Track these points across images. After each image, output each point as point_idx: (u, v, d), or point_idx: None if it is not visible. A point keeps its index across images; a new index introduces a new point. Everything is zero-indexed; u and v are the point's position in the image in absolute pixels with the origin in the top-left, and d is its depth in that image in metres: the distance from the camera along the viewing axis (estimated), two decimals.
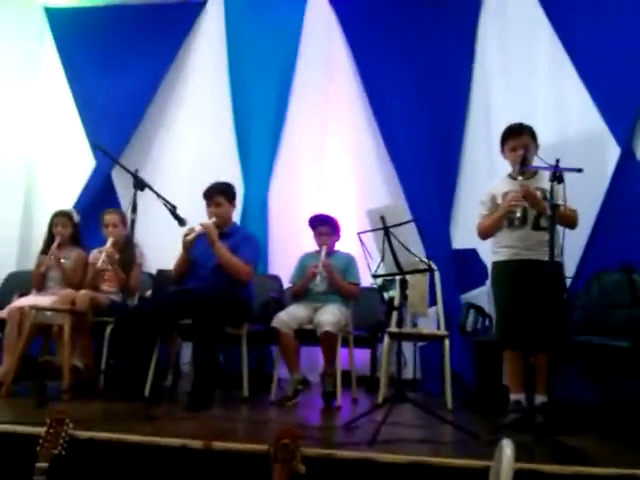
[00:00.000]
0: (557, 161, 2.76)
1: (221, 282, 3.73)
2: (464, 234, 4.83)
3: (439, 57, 5.18)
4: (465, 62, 5.16)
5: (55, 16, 5.88)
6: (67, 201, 5.27)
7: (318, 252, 3.96)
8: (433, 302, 4.23)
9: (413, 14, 5.30)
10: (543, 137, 3.39)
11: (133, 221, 3.31)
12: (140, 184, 3.28)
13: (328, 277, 3.84)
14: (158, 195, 3.39)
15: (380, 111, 5.23)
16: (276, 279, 4.73)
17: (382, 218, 2.97)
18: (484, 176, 4.76)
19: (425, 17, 5.27)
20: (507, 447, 1.87)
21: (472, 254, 4.64)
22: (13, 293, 4.25)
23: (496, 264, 3.28)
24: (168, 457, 2.25)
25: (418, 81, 5.18)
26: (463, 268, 4.74)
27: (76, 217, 4.34)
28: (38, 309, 3.56)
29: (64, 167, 5.67)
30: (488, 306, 4.16)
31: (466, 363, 4.24)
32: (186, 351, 4.53)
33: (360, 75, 5.35)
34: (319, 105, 5.42)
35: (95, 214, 4.42)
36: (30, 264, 4.42)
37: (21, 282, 4.55)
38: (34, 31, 5.83)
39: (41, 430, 2.05)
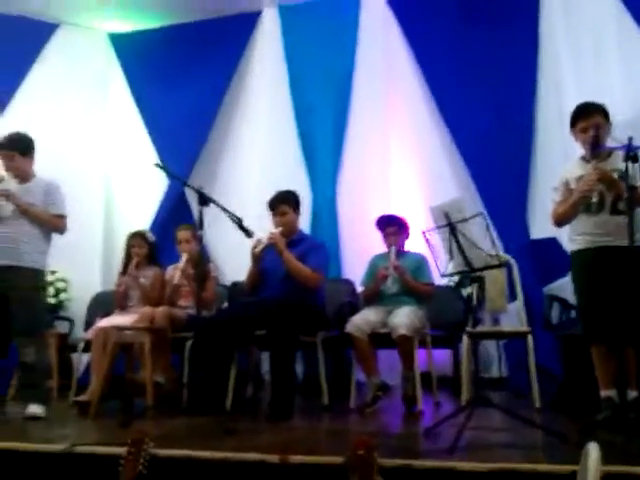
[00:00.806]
0: (630, 139, 2.58)
1: (292, 290, 3.73)
2: (542, 223, 4.61)
3: (502, 43, 5.01)
4: (529, 46, 4.98)
5: (119, 41, 6.11)
6: (145, 220, 5.46)
7: (388, 253, 3.89)
8: (513, 297, 4.06)
9: (472, 8, 5.14)
10: (617, 115, 3.19)
11: (201, 236, 3.38)
12: (204, 200, 3.33)
13: (400, 278, 3.76)
14: (223, 209, 3.44)
15: (444, 103, 5.12)
16: (349, 283, 4.70)
17: (446, 214, 2.86)
18: (559, 160, 4.54)
19: (484, 5, 5.10)
20: (593, 450, 1.75)
21: (552, 243, 4.43)
22: (98, 314, 4.42)
23: (574, 253, 3.11)
24: (247, 472, 2.26)
25: (481, 69, 5.03)
26: (543, 259, 4.54)
27: (151, 237, 4.47)
28: (119, 329, 3.68)
29: (140, 187, 5.87)
30: (572, 297, 3.95)
31: (553, 357, 4.05)
32: (266, 360, 4.57)
33: (421, 69, 5.26)
34: (380, 104, 5.35)
35: (172, 231, 4.53)
36: (113, 285, 4.58)
37: (105, 303, 4.73)
38: (101, 56, 6.08)
39: (122, 450, 2.09)
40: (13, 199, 3.46)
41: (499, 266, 2.98)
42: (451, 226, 2.80)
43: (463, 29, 5.13)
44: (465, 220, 2.78)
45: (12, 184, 3.55)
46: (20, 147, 3.57)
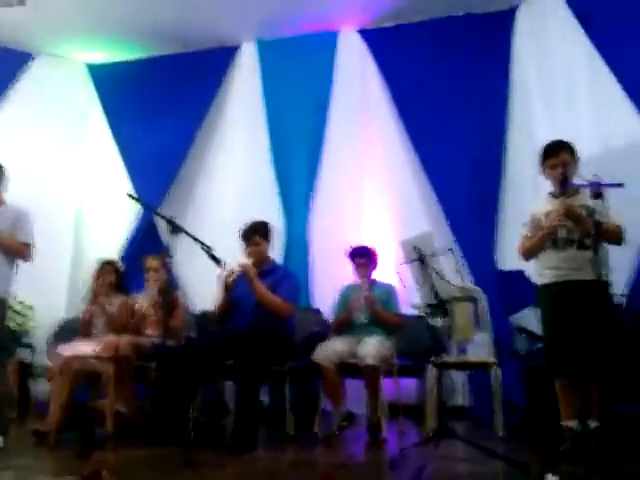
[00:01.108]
0: (595, 177, 2.66)
1: (262, 319, 3.71)
2: (510, 256, 4.65)
3: (474, 79, 5.13)
4: (501, 81, 5.12)
5: (97, 72, 6.15)
6: (115, 248, 5.42)
7: (359, 284, 3.91)
8: (482, 326, 4.09)
9: (445, 39, 5.28)
10: (587, 151, 3.28)
11: (169, 264, 3.37)
12: (175, 229, 3.33)
13: (370, 309, 3.77)
14: (194, 238, 3.44)
15: (417, 138, 5.22)
16: (319, 313, 4.69)
17: (416, 248, 2.91)
18: (528, 195, 4.65)
19: (458, 41, 5.25)
20: None
21: (519, 275, 4.47)
22: (62, 340, 4.34)
23: (542, 287, 3.15)
24: None
25: (454, 104, 5.15)
26: (511, 290, 4.58)
27: (120, 265, 4.42)
28: (83, 357, 3.62)
29: (112, 216, 5.84)
30: (537, 328, 3.99)
31: (517, 387, 4.06)
32: (230, 389, 4.51)
33: (395, 103, 5.36)
34: (355, 137, 5.45)
35: (141, 259, 4.49)
36: (78, 312, 4.50)
37: (69, 330, 4.64)
38: (79, 87, 6.10)
39: None
40: None
41: (465, 299, 3.02)
42: (421, 259, 2.83)
43: (437, 64, 5.25)
44: (434, 255, 2.82)
45: None
46: None
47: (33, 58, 5.93)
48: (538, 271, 3.19)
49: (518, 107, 5.08)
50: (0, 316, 3.49)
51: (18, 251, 3.53)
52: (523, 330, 4.02)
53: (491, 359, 3.66)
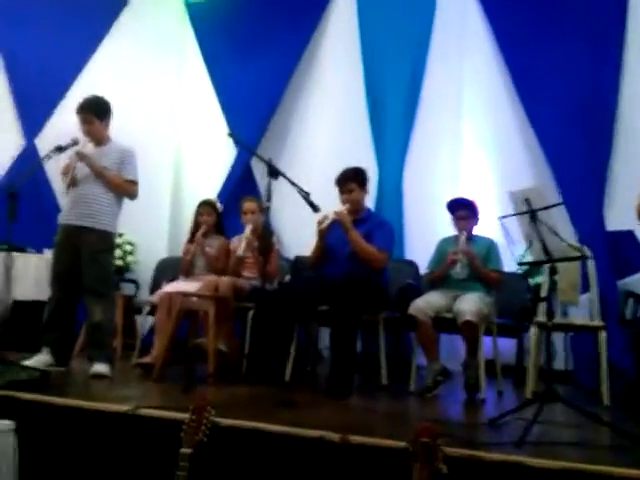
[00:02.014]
0: None
1: (357, 268, 3.68)
2: (620, 215, 4.42)
3: (586, 20, 4.74)
4: (617, 20, 4.69)
5: (194, 9, 6.13)
6: (212, 189, 5.50)
7: (457, 237, 3.79)
8: (585, 289, 3.90)
9: None
10: None
11: (268, 209, 3.37)
12: (274, 172, 3.32)
13: (470, 264, 3.66)
14: (292, 183, 3.42)
15: (522, 85, 4.91)
16: (412, 265, 4.61)
17: (527, 201, 2.75)
18: None
19: None
20: None
21: (629, 237, 4.23)
22: (163, 279, 4.50)
23: None
24: (306, 447, 2.24)
25: (563, 49, 4.80)
26: (619, 252, 4.33)
27: (219, 206, 4.49)
28: (185, 295, 3.73)
29: (209, 156, 5.92)
30: None
31: (624, 354, 3.88)
32: (324, 335, 4.55)
33: (500, 49, 5.04)
34: (455, 84, 5.19)
35: (237, 202, 4.53)
36: (179, 251, 4.64)
37: (171, 268, 4.81)
38: (176, 24, 6.11)
39: (185, 416, 2.11)
40: (88, 161, 3.52)
41: (580, 258, 2.86)
42: (532, 213, 2.68)
43: (546, 13, 4.89)
44: (547, 208, 2.66)
45: (88, 147, 3.61)
46: (98, 111, 3.62)
47: None
48: None
49: (634, 52, 4.66)
50: (108, 249, 3.64)
51: (124, 189, 3.63)
52: (632, 295, 3.80)
53: (598, 323, 3.48)
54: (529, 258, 2.93)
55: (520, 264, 2.96)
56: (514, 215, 2.83)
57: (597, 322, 3.50)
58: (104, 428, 2.49)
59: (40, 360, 3.43)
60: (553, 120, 4.75)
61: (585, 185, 4.59)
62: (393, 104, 5.29)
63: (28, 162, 5.18)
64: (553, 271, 2.88)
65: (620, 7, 4.70)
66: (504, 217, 2.88)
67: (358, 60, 5.44)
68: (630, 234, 4.23)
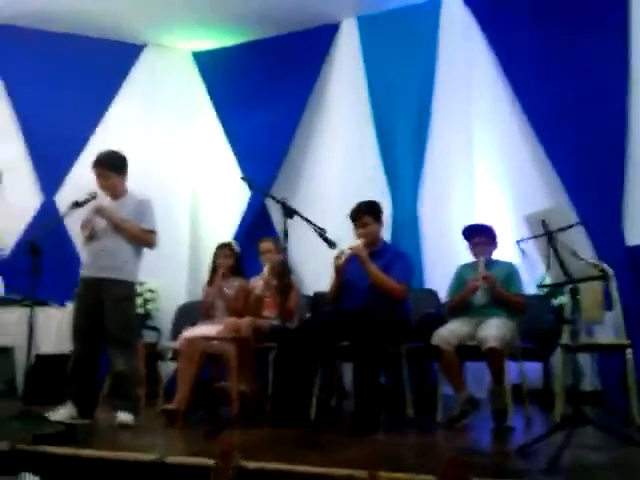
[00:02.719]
0: None
1: (377, 301, 3.68)
2: (639, 229, 4.38)
3: (590, 45, 4.77)
4: (619, 40, 4.71)
5: (202, 59, 6.26)
6: (229, 232, 5.57)
7: (476, 263, 3.78)
8: (609, 306, 3.84)
9: (557, 5, 4.95)
10: None
11: (286, 248, 3.41)
12: (288, 211, 3.37)
13: (491, 289, 3.63)
14: (307, 220, 3.46)
15: (532, 110, 4.91)
16: (433, 293, 4.58)
17: (544, 222, 2.74)
18: None
19: (570, 8, 4.90)
20: None
21: None
22: (184, 324, 4.52)
23: None
24: None
25: (570, 71, 4.82)
26: None
27: (237, 248, 4.52)
28: (206, 339, 3.74)
29: (224, 200, 5.99)
30: None
31: None
32: (348, 371, 4.52)
33: (505, 74, 5.07)
34: (463, 111, 5.21)
35: (253, 243, 4.56)
36: (199, 295, 4.67)
37: (191, 313, 4.83)
38: (186, 75, 6.26)
39: (212, 462, 2.10)
40: (106, 214, 3.59)
41: (600, 277, 2.82)
42: (549, 235, 2.67)
43: (547, 28, 4.94)
44: (564, 229, 2.64)
45: (106, 200, 3.68)
46: (115, 166, 3.70)
47: (142, 49, 6.13)
48: None
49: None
50: (130, 298, 3.67)
51: (143, 239, 3.69)
52: None
53: (624, 340, 3.42)
54: (549, 280, 2.91)
55: (541, 286, 2.92)
56: (531, 238, 2.82)
57: (623, 340, 3.44)
58: (131, 478, 2.48)
59: (65, 413, 3.44)
60: (563, 141, 4.74)
61: (601, 202, 4.55)
62: (403, 137, 5.33)
63: (48, 219, 5.29)
64: (575, 292, 2.85)
65: (624, 35, 4.73)
66: (521, 240, 2.87)
67: (365, 97, 5.51)
68: None
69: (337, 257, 3.71)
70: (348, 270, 3.77)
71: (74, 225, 4.67)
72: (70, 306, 4.92)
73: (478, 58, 5.25)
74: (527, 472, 2.18)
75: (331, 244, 3.55)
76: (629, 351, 3.34)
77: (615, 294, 3.62)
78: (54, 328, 4.86)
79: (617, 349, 3.48)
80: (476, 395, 3.59)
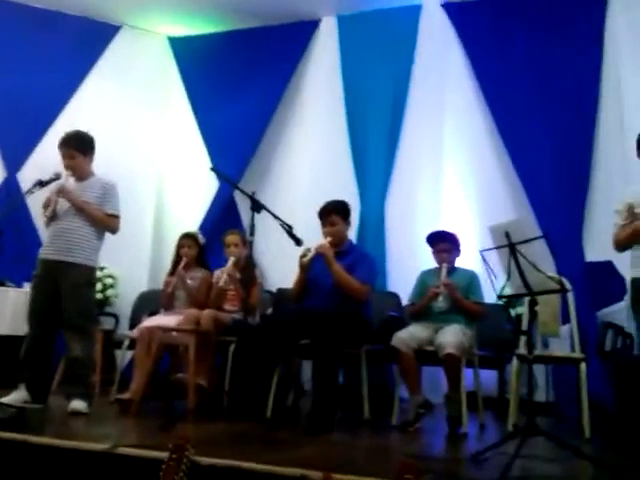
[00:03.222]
0: None
1: (339, 301, 3.68)
2: (598, 246, 4.51)
3: (563, 59, 4.90)
4: (593, 61, 4.85)
5: (178, 44, 6.20)
6: (194, 222, 5.51)
7: (438, 269, 3.81)
8: (566, 320, 3.93)
9: (533, 18, 5.05)
10: None
11: (251, 242, 3.40)
12: (257, 206, 3.36)
13: (450, 296, 3.68)
14: (274, 216, 3.46)
15: (502, 119, 5.02)
16: (395, 296, 4.62)
17: (507, 234, 2.78)
18: (618, 182, 4.46)
19: (546, 20, 5.01)
20: None
21: (608, 267, 4.27)
22: (144, 312, 4.46)
23: (636, 281, 2.98)
24: None
25: (542, 84, 4.94)
26: (598, 283, 4.38)
27: (201, 239, 4.47)
28: (165, 330, 3.70)
29: (191, 190, 5.93)
30: (627, 323, 3.80)
31: (604, 386, 3.89)
32: (306, 369, 4.53)
33: (478, 83, 5.17)
34: (436, 118, 5.28)
35: (219, 235, 4.52)
36: (160, 284, 4.61)
37: (151, 301, 4.77)
38: (160, 59, 6.18)
39: (164, 455, 2.07)
40: (69, 196, 3.51)
41: (560, 291, 2.88)
42: (511, 246, 2.71)
43: (523, 39, 5.04)
44: (526, 242, 2.69)
45: (70, 181, 3.60)
46: (81, 146, 3.62)
47: (117, 30, 6.02)
48: (632, 262, 3.03)
49: (610, 89, 4.81)
50: (89, 283, 3.60)
51: (105, 223, 3.62)
52: (611, 326, 3.84)
53: (579, 354, 3.50)
54: (509, 290, 2.96)
55: (500, 297, 2.97)
56: (494, 249, 2.86)
57: (577, 354, 3.52)
58: (81, 467, 2.44)
59: (17, 397, 3.36)
60: (531, 154, 4.85)
61: (564, 217, 4.68)
62: (374, 138, 5.36)
63: (9, 196, 5.15)
64: (533, 303, 2.91)
65: (597, 43, 4.84)
66: (484, 250, 2.91)
67: (340, 95, 5.52)
68: (609, 264, 4.27)
69: (303, 255, 3.70)
70: (313, 268, 3.77)
71: (36, 205, 4.57)
72: (27, 287, 4.81)
73: (454, 65, 5.32)
74: None
75: (297, 241, 3.55)
76: (583, 365, 3.41)
77: (572, 308, 3.70)
78: (9, 309, 4.74)
79: (571, 362, 3.55)
80: (432, 400, 3.63)
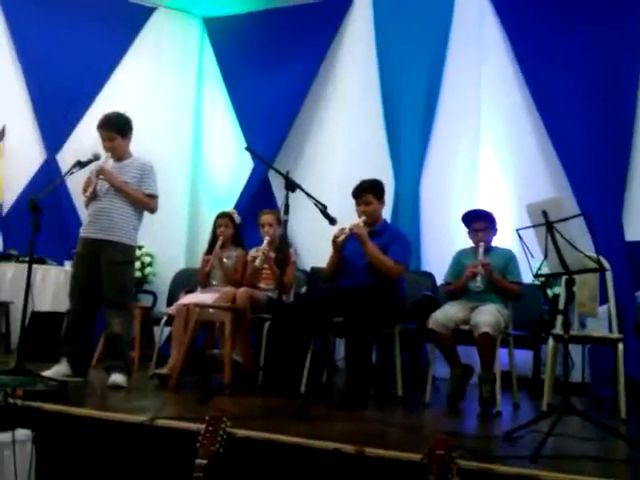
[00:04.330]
0: None
1: (373, 280, 3.69)
2: (639, 225, 4.39)
3: (604, 34, 4.74)
4: (635, 40, 4.68)
5: (212, 25, 6.22)
6: (230, 202, 5.56)
7: (474, 248, 3.78)
8: (604, 300, 3.86)
9: None
10: None
11: (286, 221, 3.42)
12: (291, 185, 3.37)
13: (487, 276, 3.64)
14: (309, 195, 3.46)
15: (540, 96, 4.90)
16: (429, 276, 4.61)
17: (544, 213, 2.74)
18: None
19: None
20: None
21: None
22: (180, 290, 4.54)
23: None
24: (321, 459, 2.25)
25: (582, 59, 4.80)
26: (638, 262, 4.30)
27: (237, 218, 4.51)
28: (202, 307, 3.76)
29: (226, 169, 5.98)
30: None
31: None
32: (340, 347, 4.56)
33: (516, 59, 5.05)
34: (472, 96, 5.19)
35: (254, 214, 4.56)
36: (196, 263, 4.68)
37: (188, 280, 4.85)
38: (195, 40, 6.22)
39: (201, 427, 2.13)
40: (108, 176, 3.58)
41: (598, 270, 2.83)
42: (549, 225, 2.67)
43: (563, 16, 4.90)
44: (564, 220, 2.65)
45: (109, 162, 3.67)
46: (120, 128, 3.67)
47: (152, 12, 6.06)
48: None
49: None
50: (128, 261, 3.68)
51: (144, 202, 3.68)
52: None
53: (616, 335, 3.45)
54: (546, 270, 2.92)
55: (536, 276, 2.93)
56: (531, 227, 2.83)
57: (615, 334, 3.47)
58: (120, 439, 2.52)
59: (58, 371, 3.47)
60: (571, 131, 4.74)
61: (603, 195, 4.57)
62: (410, 116, 5.31)
63: (49, 176, 5.27)
64: (570, 283, 2.86)
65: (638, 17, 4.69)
66: (521, 229, 2.88)
67: (375, 72, 5.47)
68: None
69: (337, 235, 3.70)
70: (347, 248, 3.78)
71: (75, 185, 4.68)
72: (67, 266, 4.95)
73: (491, 42, 5.20)
74: (511, 458, 2.21)
75: (332, 220, 3.55)
76: (620, 345, 3.36)
77: (611, 288, 3.64)
78: (51, 287, 4.88)
79: (609, 343, 3.50)
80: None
